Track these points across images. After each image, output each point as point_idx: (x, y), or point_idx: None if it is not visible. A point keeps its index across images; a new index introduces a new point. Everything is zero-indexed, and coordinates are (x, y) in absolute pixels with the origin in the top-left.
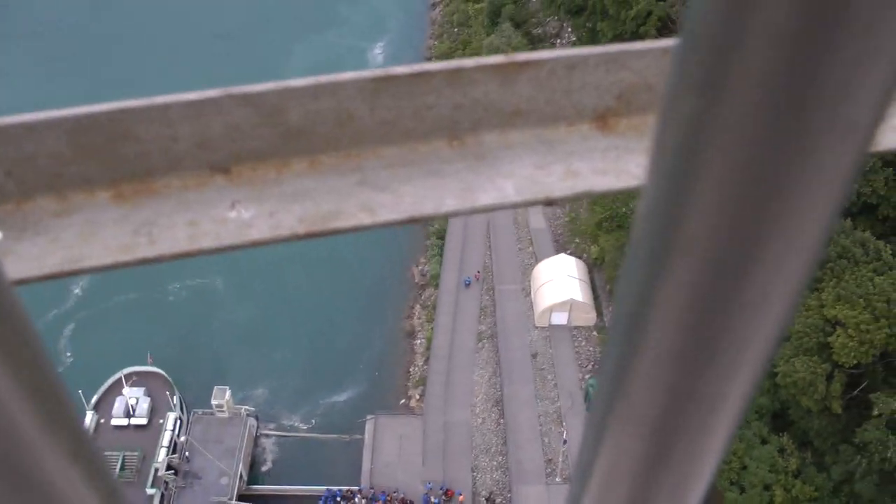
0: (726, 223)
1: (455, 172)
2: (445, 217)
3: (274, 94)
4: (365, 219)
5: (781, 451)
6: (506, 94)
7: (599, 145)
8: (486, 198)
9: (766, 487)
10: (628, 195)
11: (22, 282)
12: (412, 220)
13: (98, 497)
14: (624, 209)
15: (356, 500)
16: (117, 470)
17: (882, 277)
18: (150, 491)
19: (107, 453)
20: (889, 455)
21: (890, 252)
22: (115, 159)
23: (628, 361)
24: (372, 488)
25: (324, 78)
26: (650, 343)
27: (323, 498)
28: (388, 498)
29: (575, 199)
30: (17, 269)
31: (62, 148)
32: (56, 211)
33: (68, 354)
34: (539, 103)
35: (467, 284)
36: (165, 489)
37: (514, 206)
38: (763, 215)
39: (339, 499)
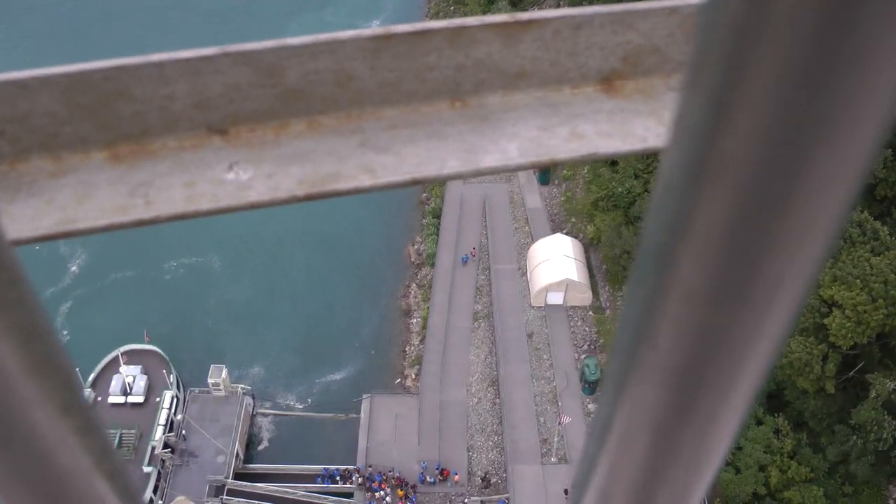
0: (766, 150)
1: (458, 134)
2: (448, 179)
3: (272, 52)
4: (366, 180)
5: (777, 432)
6: (509, 54)
7: (605, 107)
8: (489, 159)
9: (762, 468)
10: (624, 175)
11: (16, 243)
12: (414, 182)
13: (90, 454)
14: (620, 189)
15: (354, 478)
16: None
17: (879, 258)
18: (146, 469)
19: None
20: (884, 435)
21: (887, 232)
22: (111, 119)
23: (655, 304)
24: (369, 467)
25: (323, 36)
26: (680, 283)
27: (321, 476)
28: (384, 477)
29: (580, 162)
30: (11, 230)
31: (56, 107)
32: (51, 171)
33: (65, 332)
34: (543, 65)
35: (464, 262)
36: (162, 467)
37: (518, 168)
38: (804, 146)
39: (337, 477)
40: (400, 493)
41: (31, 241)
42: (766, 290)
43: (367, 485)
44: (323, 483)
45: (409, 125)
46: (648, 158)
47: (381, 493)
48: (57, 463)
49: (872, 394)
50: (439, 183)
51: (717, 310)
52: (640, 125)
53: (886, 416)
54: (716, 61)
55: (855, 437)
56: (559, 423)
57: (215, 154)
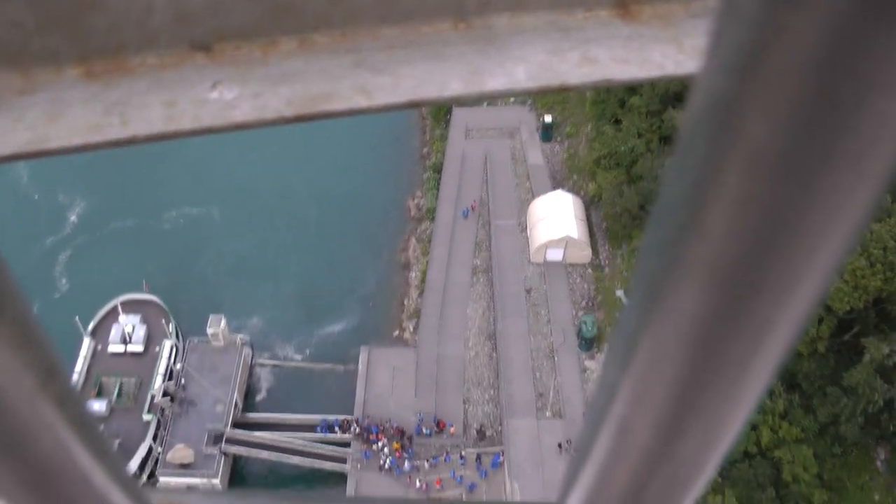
0: (796, 117)
1: (460, 56)
2: (449, 102)
3: None
4: (360, 101)
5: (770, 392)
6: None
7: (621, 33)
8: (494, 82)
9: (753, 427)
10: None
11: None
12: (412, 104)
13: (33, 373)
14: (623, 147)
15: (352, 429)
16: (114, 396)
17: (880, 224)
18: (146, 417)
19: (104, 379)
20: (875, 398)
21: (890, 199)
22: (84, 32)
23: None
24: (367, 418)
25: None
26: (702, 247)
27: (320, 426)
28: (381, 428)
29: (592, 88)
30: None
31: (23, 16)
32: (20, 88)
33: (64, 281)
34: None
35: (465, 215)
36: (161, 415)
37: (526, 91)
38: (837, 108)
39: (336, 428)
40: (396, 445)
41: (1, 160)
42: (800, 256)
43: (365, 436)
44: (322, 433)
45: (407, 45)
46: (652, 118)
47: (379, 444)
48: (37, 446)
49: (867, 358)
50: (441, 137)
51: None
52: (658, 52)
53: (879, 380)
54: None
55: (846, 400)
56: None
57: (198, 72)
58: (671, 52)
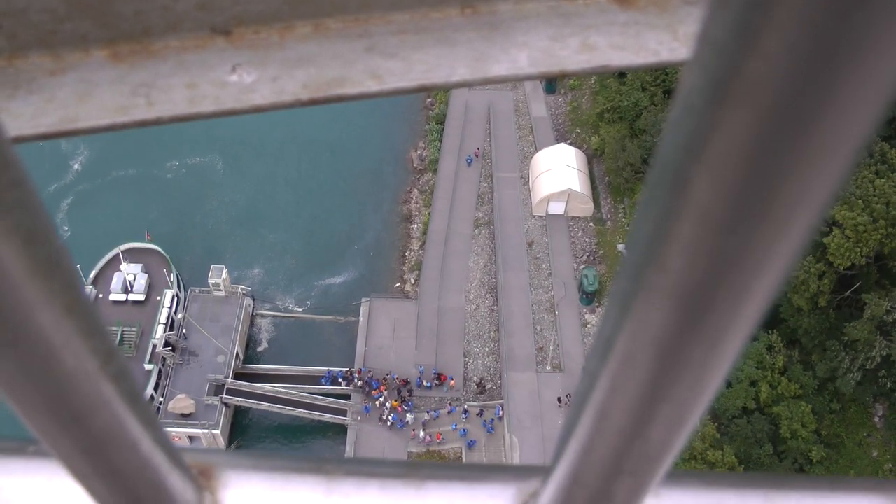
0: (792, 72)
1: (467, 41)
2: (456, 87)
3: None
4: (372, 86)
5: (769, 348)
6: None
7: (619, 19)
8: (498, 68)
9: (753, 383)
10: (631, 88)
11: (17, 140)
12: (422, 89)
13: (95, 357)
14: (626, 101)
15: (355, 380)
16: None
17: (883, 180)
18: (147, 367)
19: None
20: (873, 354)
21: (894, 154)
22: (112, 17)
23: (667, 225)
24: (369, 371)
25: None
26: (694, 204)
27: (324, 378)
28: (384, 381)
29: (591, 74)
30: (12, 126)
31: (55, 3)
32: (50, 69)
33: (65, 228)
34: None
35: (469, 163)
36: (163, 365)
37: (528, 77)
38: (831, 69)
39: (340, 379)
40: (395, 403)
41: (33, 138)
42: (782, 215)
43: (367, 389)
44: (326, 384)
45: (417, 31)
46: (657, 71)
47: (381, 398)
48: (62, 365)
49: (867, 313)
50: (445, 90)
51: (730, 233)
52: (654, 38)
53: (878, 336)
54: None
55: (844, 354)
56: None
57: (218, 55)
58: (666, 39)
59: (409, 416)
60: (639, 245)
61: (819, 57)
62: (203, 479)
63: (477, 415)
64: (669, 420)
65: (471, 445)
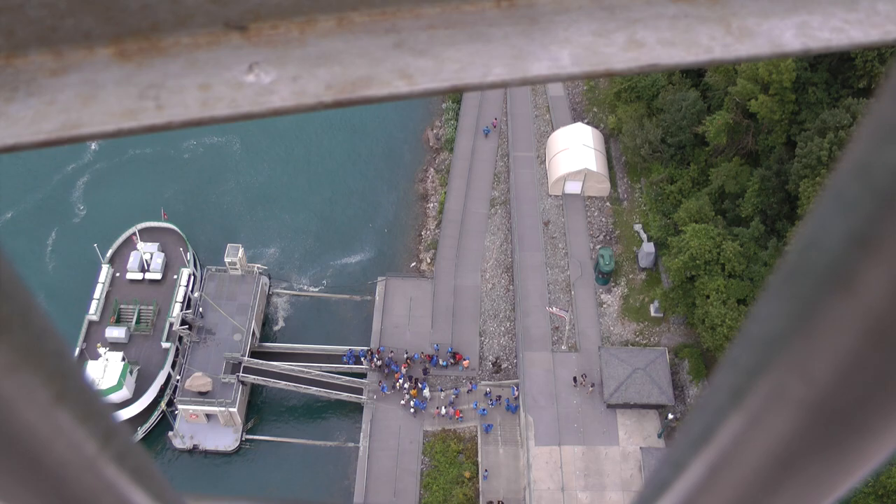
0: None
1: (504, 37)
2: (492, 87)
3: None
4: (401, 87)
5: None
6: None
7: (667, 12)
8: (538, 67)
9: None
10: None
11: (16, 148)
12: (454, 90)
13: (93, 441)
14: (644, 81)
15: (373, 359)
16: (133, 323)
17: None
18: (165, 345)
19: (122, 306)
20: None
21: None
22: (117, 11)
23: (818, 328)
24: (391, 352)
25: None
26: (860, 308)
27: (346, 356)
28: (407, 361)
29: (639, 73)
30: (10, 133)
31: None
32: (52, 68)
33: (82, 207)
34: None
35: (486, 134)
36: (180, 343)
37: (571, 77)
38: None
39: (362, 358)
40: (413, 392)
41: (33, 146)
42: None
43: (386, 371)
44: (348, 363)
45: (449, 25)
46: None
47: (402, 379)
48: (53, 456)
49: None
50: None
51: None
52: (706, 33)
53: None
54: None
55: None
56: (552, 311)
57: (234, 53)
58: (719, 34)
59: (426, 392)
60: (769, 340)
61: None
62: None
63: (496, 398)
64: None
65: (487, 430)
